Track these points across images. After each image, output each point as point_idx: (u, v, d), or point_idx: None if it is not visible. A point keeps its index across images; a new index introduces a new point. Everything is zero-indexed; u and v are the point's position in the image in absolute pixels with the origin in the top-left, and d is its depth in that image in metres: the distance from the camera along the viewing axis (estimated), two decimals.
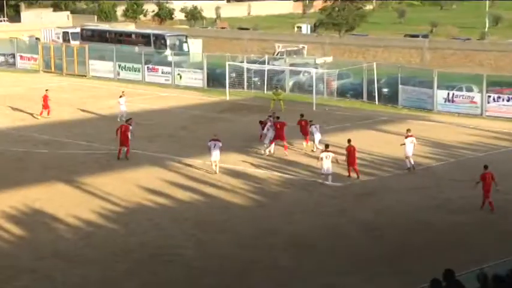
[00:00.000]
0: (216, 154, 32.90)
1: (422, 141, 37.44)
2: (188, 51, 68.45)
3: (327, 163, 31.17)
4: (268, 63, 57.38)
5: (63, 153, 37.17)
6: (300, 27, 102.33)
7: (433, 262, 21.95)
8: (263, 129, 37.22)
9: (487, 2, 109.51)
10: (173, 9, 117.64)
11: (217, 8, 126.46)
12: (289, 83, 55.43)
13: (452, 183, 31.67)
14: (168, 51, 66.24)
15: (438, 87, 47.81)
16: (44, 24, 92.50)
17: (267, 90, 54.25)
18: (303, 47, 75.03)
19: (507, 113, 45.25)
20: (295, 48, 74.22)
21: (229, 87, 53.48)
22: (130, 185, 31.30)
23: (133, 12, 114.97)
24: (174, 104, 51.14)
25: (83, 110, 48.67)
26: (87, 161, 35.72)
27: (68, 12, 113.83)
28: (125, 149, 35.39)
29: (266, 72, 55.36)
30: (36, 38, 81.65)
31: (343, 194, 30.38)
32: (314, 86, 50.19)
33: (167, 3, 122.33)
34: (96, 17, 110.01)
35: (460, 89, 47.70)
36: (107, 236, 25.61)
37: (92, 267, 22.83)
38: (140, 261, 23.28)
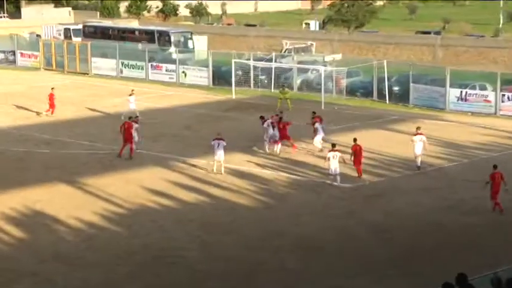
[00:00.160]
0: (220, 154, 32.32)
1: (434, 141, 36.97)
2: (193, 48, 67.63)
3: (334, 163, 30.70)
4: (275, 61, 56.87)
5: (65, 153, 36.76)
6: (308, 23, 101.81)
7: (444, 264, 21.74)
8: (263, 124, 36.56)
9: None
10: (178, 5, 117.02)
11: (223, 4, 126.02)
12: (297, 81, 54.92)
13: (466, 183, 31.16)
14: (172, 49, 65.44)
15: (451, 86, 47.15)
16: (45, 20, 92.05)
17: (274, 89, 53.67)
18: (311, 44, 74.13)
19: None
20: (303, 46, 73.33)
21: (235, 86, 52.91)
22: (134, 186, 30.94)
23: (137, 8, 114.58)
24: (178, 103, 50.65)
25: (86, 109, 48.22)
26: (89, 161, 35.33)
27: (70, 8, 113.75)
28: (129, 146, 34.84)
29: (273, 70, 54.81)
30: (37, 35, 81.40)
31: (352, 196, 29.97)
32: (323, 84, 49.59)
33: None
34: (98, 13, 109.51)
35: (473, 88, 47.07)
36: (110, 238, 25.29)
37: (93, 270, 22.55)
38: (143, 264, 22.97)
